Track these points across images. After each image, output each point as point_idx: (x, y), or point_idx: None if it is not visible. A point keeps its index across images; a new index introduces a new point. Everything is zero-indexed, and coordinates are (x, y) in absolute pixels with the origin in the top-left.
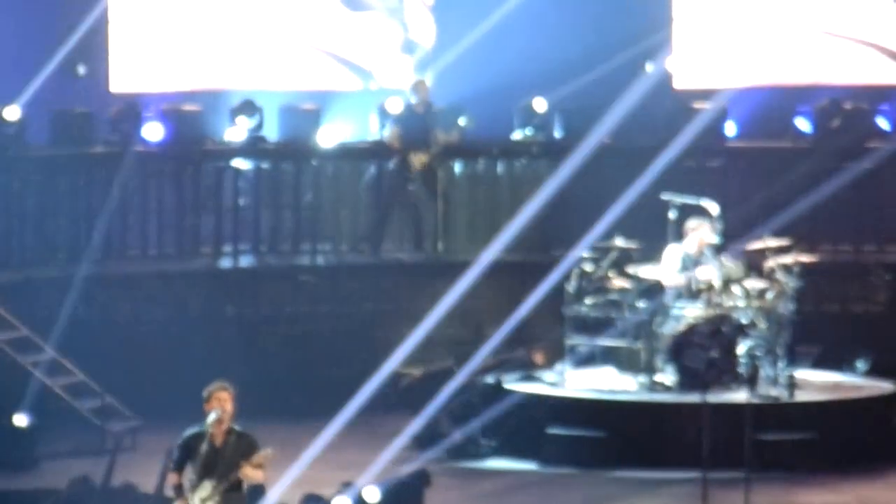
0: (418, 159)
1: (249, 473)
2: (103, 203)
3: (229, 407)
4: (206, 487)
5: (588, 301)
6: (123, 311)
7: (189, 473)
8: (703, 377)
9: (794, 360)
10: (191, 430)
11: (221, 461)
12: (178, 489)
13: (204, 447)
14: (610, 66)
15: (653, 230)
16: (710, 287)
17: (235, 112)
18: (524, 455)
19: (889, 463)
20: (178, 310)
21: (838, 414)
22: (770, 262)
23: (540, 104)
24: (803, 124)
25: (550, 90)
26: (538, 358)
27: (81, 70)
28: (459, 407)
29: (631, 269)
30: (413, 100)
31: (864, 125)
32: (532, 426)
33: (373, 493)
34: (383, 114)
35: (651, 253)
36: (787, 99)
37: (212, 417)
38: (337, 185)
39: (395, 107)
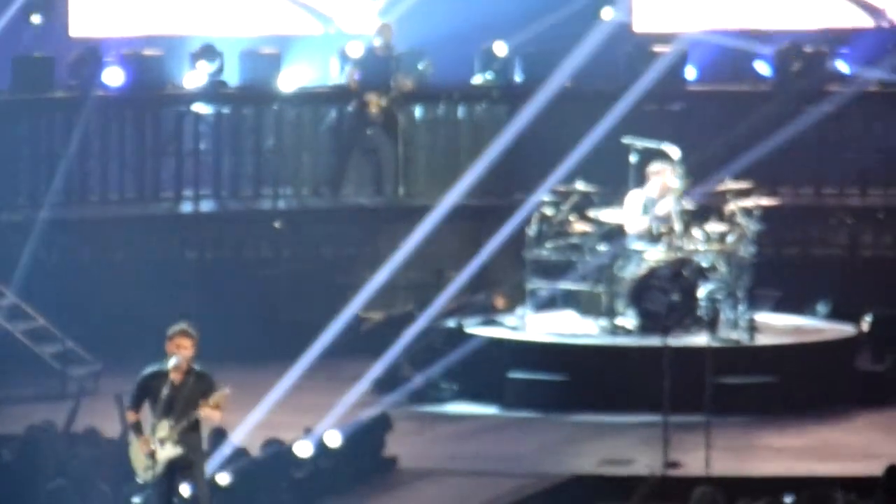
0: (376, 103)
1: (207, 413)
2: (64, 148)
3: (188, 353)
4: (164, 427)
5: (549, 245)
6: (84, 255)
7: (149, 413)
8: (663, 321)
9: (754, 303)
10: (150, 369)
11: (180, 400)
12: (137, 427)
13: (163, 387)
14: (570, 9)
15: (614, 174)
16: (670, 230)
17: (196, 57)
18: (485, 399)
19: (849, 406)
20: (138, 254)
21: (799, 357)
22: (731, 206)
23: (500, 48)
24: (763, 68)
25: (511, 34)
26: (499, 302)
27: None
28: (421, 351)
29: (592, 213)
30: (377, 42)
31: (824, 68)
32: (493, 370)
33: (334, 438)
34: (344, 58)
35: (612, 197)
36: (747, 42)
37: (171, 363)
38: (298, 130)
39: (357, 50)
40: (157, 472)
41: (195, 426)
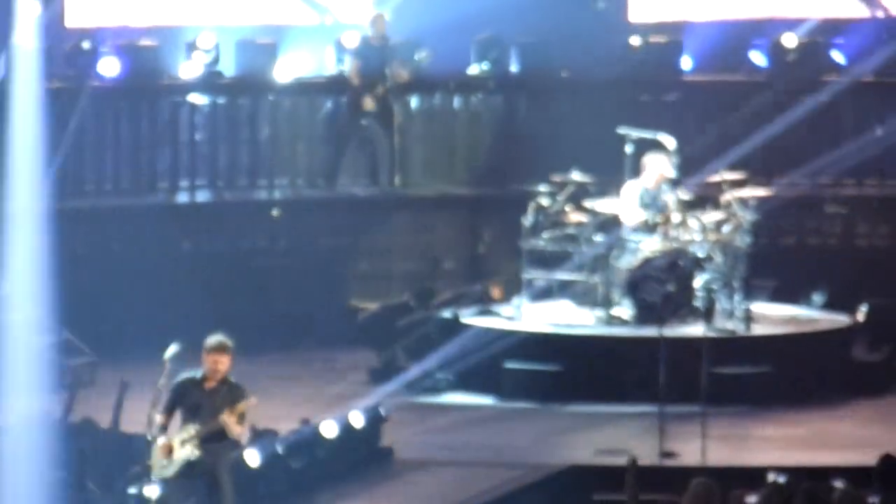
0: (369, 101)
1: (229, 422)
2: (59, 138)
3: (223, 367)
4: (188, 430)
5: (545, 235)
6: (80, 246)
7: (179, 416)
8: (659, 311)
9: (750, 293)
10: (185, 375)
11: (207, 407)
12: (163, 429)
13: (195, 392)
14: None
15: (609, 164)
16: (666, 221)
17: (192, 47)
18: (481, 389)
19: (845, 396)
20: (134, 245)
21: (794, 347)
22: (726, 196)
23: (496, 38)
24: (759, 58)
25: (507, 24)
26: (495, 292)
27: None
28: (416, 341)
29: (587, 203)
30: (370, 33)
31: (820, 59)
32: (489, 360)
33: (330, 428)
34: (340, 48)
35: (607, 187)
36: (743, 32)
37: (201, 374)
38: (293, 120)
39: (352, 40)
40: (171, 471)
41: (220, 435)
